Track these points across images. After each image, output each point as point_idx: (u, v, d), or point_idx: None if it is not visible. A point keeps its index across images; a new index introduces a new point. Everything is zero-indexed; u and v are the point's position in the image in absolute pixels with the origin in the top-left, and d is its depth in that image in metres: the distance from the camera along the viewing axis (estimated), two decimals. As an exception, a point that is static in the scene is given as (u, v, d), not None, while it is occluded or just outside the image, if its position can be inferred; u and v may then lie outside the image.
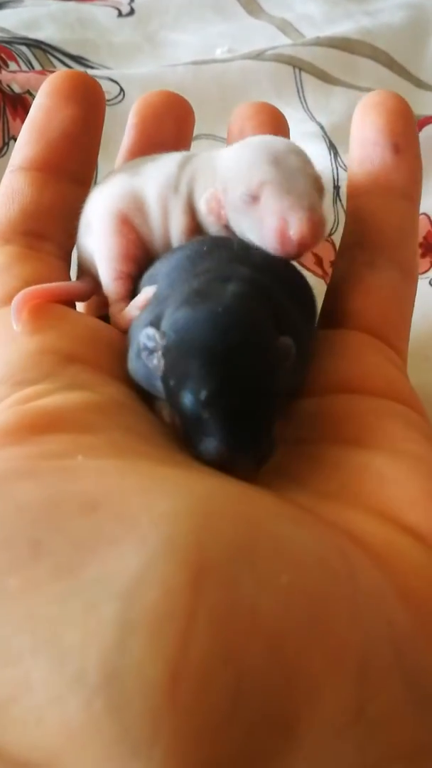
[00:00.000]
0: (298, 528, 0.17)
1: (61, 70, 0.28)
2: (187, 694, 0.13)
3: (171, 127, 0.29)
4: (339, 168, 0.43)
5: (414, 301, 0.26)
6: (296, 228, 0.22)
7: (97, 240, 0.26)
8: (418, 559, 0.18)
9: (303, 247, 0.23)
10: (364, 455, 0.21)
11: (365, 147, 0.27)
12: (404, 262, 0.26)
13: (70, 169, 0.27)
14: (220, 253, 0.23)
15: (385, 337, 0.25)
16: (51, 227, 0.26)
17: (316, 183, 0.24)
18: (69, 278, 0.27)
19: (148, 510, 0.16)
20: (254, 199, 0.23)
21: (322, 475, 0.20)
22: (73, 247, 0.28)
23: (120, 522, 0.15)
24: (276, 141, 0.25)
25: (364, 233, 0.26)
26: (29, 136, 0.27)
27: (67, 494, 0.16)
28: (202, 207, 0.24)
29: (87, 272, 0.27)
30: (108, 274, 0.25)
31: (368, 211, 0.26)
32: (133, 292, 0.25)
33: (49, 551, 0.15)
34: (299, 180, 0.23)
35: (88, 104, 0.28)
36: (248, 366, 0.19)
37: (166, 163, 0.26)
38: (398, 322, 0.26)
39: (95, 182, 0.40)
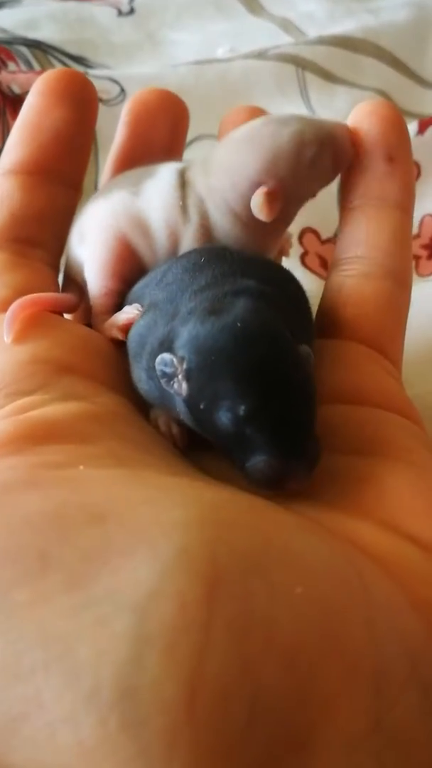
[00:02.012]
0: (308, 538, 0.17)
1: (53, 69, 0.28)
2: (204, 710, 0.13)
3: (164, 126, 0.29)
4: (343, 168, 0.43)
5: (408, 309, 0.26)
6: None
7: (91, 254, 0.26)
8: (425, 568, 0.18)
9: None
10: (363, 465, 0.21)
11: (359, 157, 0.27)
12: (398, 272, 0.26)
13: (62, 172, 0.27)
14: (218, 266, 0.23)
15: (380, 347, 0.25)
16: (41, 233, 0.26)
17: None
18: (58, 285, 0.26)
19: (157, 520, 0.15)
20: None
21: (322, 485, 0.20)
22: (62, 252, 0.27)
23: (129, 533, 0.15)
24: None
25: (359, 244, 0.26)
26: (20, 138, 0.27)
27: (74, 505, 0.16)
28: (257, 210, 0.24)
29: (74, 280, 0.27)
30: (97, 288, 0.25)
31: (362, 221, 0.26)
32: (119, 306, 0.25)
33: (58, 564, 0.15)
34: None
35: (81, 104, 0.27)
36: (284, 375, 0.19)
37: (165, 183, 0.25)
38: (393, 331, 0.26)
39: (96, 185, 0.40)
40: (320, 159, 0.24)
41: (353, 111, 0.27)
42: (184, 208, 0.25)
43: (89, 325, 0.25)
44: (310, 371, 0.20)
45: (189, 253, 0.24)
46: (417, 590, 0.17)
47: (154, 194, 0.25)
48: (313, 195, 0.26)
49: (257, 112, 0.30)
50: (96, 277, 0.25)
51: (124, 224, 0.25)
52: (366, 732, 0.14)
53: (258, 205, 0.24)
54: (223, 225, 0.25)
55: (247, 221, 0.24)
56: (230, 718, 0.13)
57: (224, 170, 0.25)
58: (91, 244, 0.26)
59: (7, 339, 0.22)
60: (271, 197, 0.24)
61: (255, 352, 0.19)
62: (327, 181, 0.26)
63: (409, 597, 0.17)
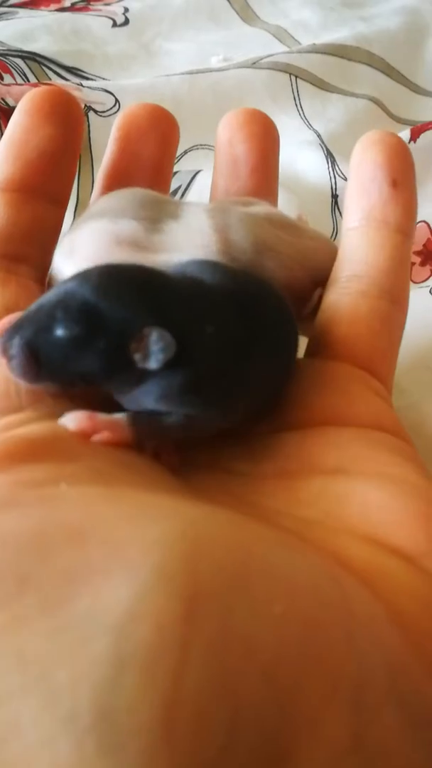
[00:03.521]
0: (289, 553, 0.17)
1: (39, 88, 0.28)
2: (182, 732, 0.13)
3: (155, 142, 0.29)
4: (337, 176, 0.43)
5: (403, 329, 0.27)
6: None
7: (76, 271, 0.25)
8: (408, 580, 0.18)
9: None
10: (347, 483, 0.21)
11: (363, 181, 0.27)
12: (395, 293, 0.26)
13: (48, 190, 0.27)
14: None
15: (371, 367, 0.25)
16: (28, 249, 0.26)
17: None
18: None
19: (136, 538, 0.15)
20: None
21: (306, 504, 0.20)
22: (49, 267, 0.27)
23: (108, 551, 0.15)
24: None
25: (357, 263, 0.26)
26: (6, 155, 0.27)
27: (53, 524, 0.16)
28: (313, 303, 0.27)
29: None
30: None
31: (363, 242, 0.27)
32: None
33: (36, 585, 0.14)
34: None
35: (67, 123, 0.27)
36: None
37: (194, 221, 0.25)
38: (385, 351, 0.26)
39: (85, 198, 0.40)
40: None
41: (360, 140, 0.28)
42: (224, 250, 0.24)
43: None
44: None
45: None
46: (398, 602, 0.17)
47: (186, 242, 0.25)
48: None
49: (258, 115, 0.30)
50: None
51: (132, 260, 0.24)
52: (347, 749, 0.14)
53: (313, 303, 0.27)
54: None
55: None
56: (208, 738, 0.13)
57: (297, 257, 0.26)
58: (80, 264, 0.24)
59: None
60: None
61: None
62: None
63: (389, 610, 0.17)
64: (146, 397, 0.20)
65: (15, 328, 0.20)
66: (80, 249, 0.25)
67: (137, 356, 0.20)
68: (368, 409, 0.24)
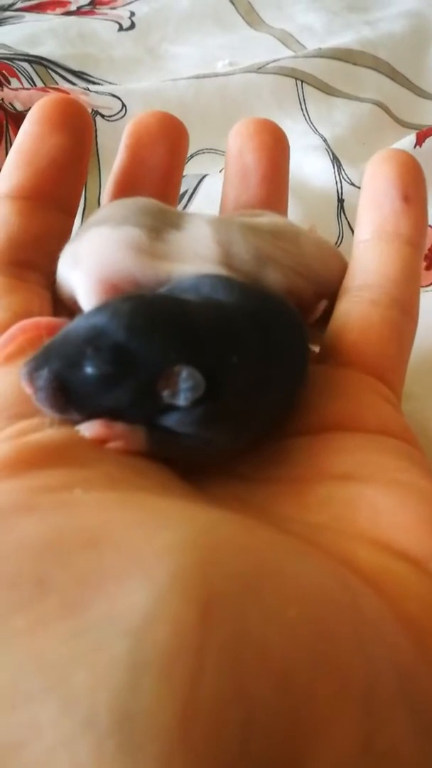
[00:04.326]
0: (300, 558, 0.17)
1: (49, 95, 0.28)
2: (199, 734, 0.13)
3: (164, 149, 0.29)
4: (343, 181, 0.43)
5: (413, 340, 0.27)
6: None
7: (86, 285, 0.25)
8: (416, 584, 0.18)
9: None
10: (356, 488, 0.21)
11: (376, 196, 0.28)
12: (406, 303, 0.27)
13: (58, 198, 0.27)
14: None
15: (381, 374, 0.25)
16: (38, 257, 0.26)
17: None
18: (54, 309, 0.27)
19: (151, 544, 0.16)
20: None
21: (315, 509, 0.21)
22: None
23: (124, 557, 0.15)
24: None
25: (369, 273, 0.27)
26: (16, 164, 0.27)
27: (69, 529, 0.16)
28: (318, 313, 0.27)
29: (61, 300, 0.26)
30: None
31: (374, 254, 0.27)
32: None
33: (54, 589, 0.15)
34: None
35: (77, 131, 0.28)
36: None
37: (197, 232, 0.25)
38: (396, 359, 0.26)
39: (99, 202, 0.40)
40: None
41: (372, 157, 0.28)
42: (227, 261, 0.25)
43: None
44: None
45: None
46: (406, 606, 0.17)
47: (184, 242, 0.25)
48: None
49: (268, 125, 0.30)
50: (88, 307, 0.25)
51: (134, 265, 0.24)
52: (358, 750, 0.14)
53: (317, 314, 0.27)
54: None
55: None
56: (224, 741, 0.13)
57: (298, 268, 0.26)
58: (87, 275, 0.25)
59: None
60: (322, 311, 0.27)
61: None
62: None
63: (398, 614, 0.17)
64: (168, 421, 0.21)
65: (42, 359, 0.20)
66: (84, 257, 0.25)
67: (165, 393, 0.20)
68: (377, 416, 0.24)
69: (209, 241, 0.25)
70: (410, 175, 0.28)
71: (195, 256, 0.25)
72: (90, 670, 0.13)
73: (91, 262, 0.25)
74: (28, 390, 0.20)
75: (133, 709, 0.13)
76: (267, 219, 0.27)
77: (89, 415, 0.20)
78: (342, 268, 0.28)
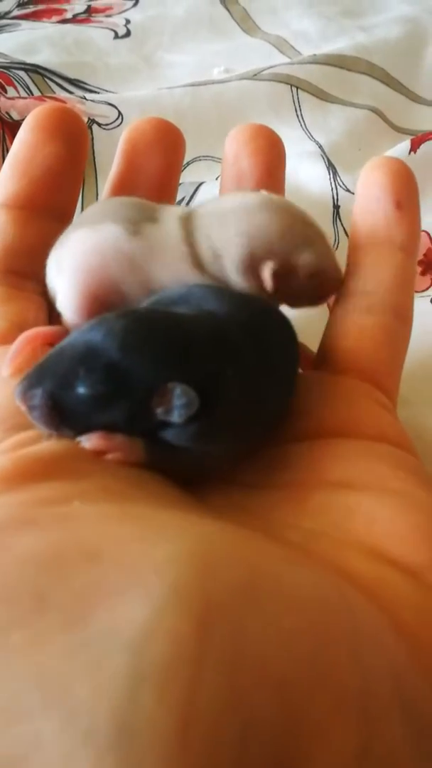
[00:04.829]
0: (297, 569, 0.18)
1: (44, 105, 0.29)
2: (198, 746, 0.13)
3: (161, 156, 0.29)
4: (339, 188, 0.43)
5: (407, 345, 0.27)
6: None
7: (67, 289, 0.25)
8: (410, 593, 0.19)
9: None
10: (352, 496, 0.21)
11: (369, 202, 0.28)
12: (400, 309, 0.27)
13: (53, 207, 0.28)
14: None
15: (377, 380, 0.25)
16: (33, 265, 0.27)
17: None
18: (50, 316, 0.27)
19: (148, 557, 0.16)
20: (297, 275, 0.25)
21: (312, 515, 0.21)
22: None
23: (122, 571, 0.15)
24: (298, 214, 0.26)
25: (363, 280, 0.27)
26: (12, 173, 0.27)
27: (69, 544, 0.16)
28: (268, 281, 0.24)
29: (54, 308, 0.27)
30: (70, 322, 0.25)
31: (368, 260, 0.27)
32: None
33: (54, 604, 0.15)
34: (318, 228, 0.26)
35: (72, 140, 0.28)
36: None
37: (172, 235, 0.25)
38: (391, 365, 0.26)
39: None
40: (314, 282, 0.26)
41: (365, 164, 0.29)
42: (197, 263, 0.25)
43: None
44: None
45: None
46: (401, 614, 0.18)
47: (159, 242, 0.25)
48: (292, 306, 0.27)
49: (263, 131, 0.30)
50: (70, 314, 0.25)
51: (114, 265, 0.25)
52: (355, 758, 0.15)
53: (268, 281, 0.25)
54: (238, 282, 0.25)
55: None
56: (222, 751, 0.13)
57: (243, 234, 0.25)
58: (68, 279, 0.25)
59: (6, 372, 0.22)
60: (274, 276, 0.25)
61: None
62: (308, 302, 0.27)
63: (393, 622, 0.17)
64: (165, 435, 0.21)
65: (36, 377, 0.20)
66: (66, 264, 0.25)
67: (159, 410, 0.20)
68: (373, 422, 0.24)
69: (179, 240, 0.25)
70: (402, 182, 0.28)
71: (167, 251, 0.25)
72: (90, 684, 0.14)
73: (72, 271, 0.25)
74: (23, 408, 0.20)
75: (133, 722, 0.13)
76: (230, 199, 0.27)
77: (83, 432, 0.21)
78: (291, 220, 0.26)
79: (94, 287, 0.25)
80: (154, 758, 0.13)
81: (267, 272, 0.24)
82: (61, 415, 0.20)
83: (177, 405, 0.20)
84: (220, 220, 0.25)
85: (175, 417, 0.20)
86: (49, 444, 0.20)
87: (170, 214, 0.26)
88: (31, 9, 0.60)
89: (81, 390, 0.20)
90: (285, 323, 0.24)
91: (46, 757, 0.13)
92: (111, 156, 0.30)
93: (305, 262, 0.25)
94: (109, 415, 0.20)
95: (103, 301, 0.24)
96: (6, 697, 0.14)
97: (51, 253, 0.26)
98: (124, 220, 0.25)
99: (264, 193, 0.26)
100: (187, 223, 0.25)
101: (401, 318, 0.27)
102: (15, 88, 0.48)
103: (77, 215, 0.29)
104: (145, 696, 0.13)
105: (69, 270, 0.25)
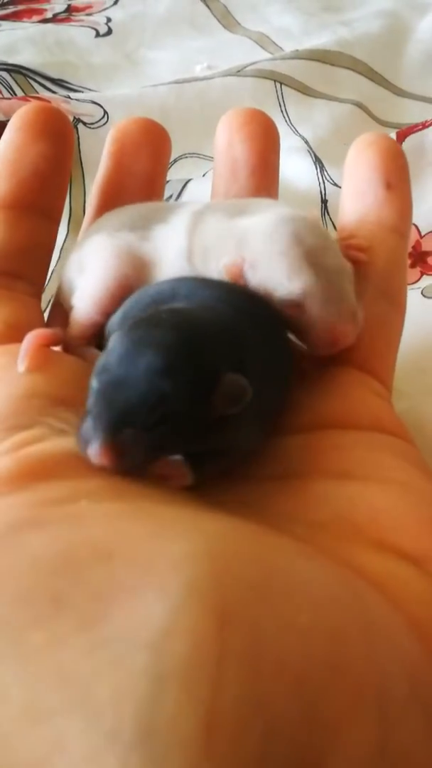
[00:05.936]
0: (310, 565, 0.17)
1: (29, 104, 0.28)
2: (222, 744, 0.13)
3: (147, 155, 0.29)
4: (326, 182, 0.43)
5: (401, 330, 0.27)
6: (344, 338, 0.24)
7: (87, 286, 0.26)
8: (420, 586, 0.19)
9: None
10: (353, 487, 0.21)
11: (358, 183, 0.27)
12: (393, 294, 0.27)
13: (42, 206, 0.27)
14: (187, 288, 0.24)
15: (371, 369, 0.25)
16: (24, 265, 0.27)
17: (348, 276, 0.24)
18: (43, 316, 0.27)
19: (164, 555, 0.16)
20: (297, 305, 0.23)
21: (313, 508, 0.21)
22: (44, 282, 0.28)
23: (137, 569, 0.15)
24: (306, 231, 0.24)
25: (354, 265, 0.26)
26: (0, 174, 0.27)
27: (80, 543, 0.16)
28: (223, 273, 0.24)
29: (61, 304, 0.27)
30: (84, 316, 0.26)
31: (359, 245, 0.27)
32: (96, 336, 0.26)
33: (70, 605, 0.15)
34: (339, 283, 0.24)
35: (58, 139, 0.28)
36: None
37: (177, 230, 0.25)
38: (385, 352, 0.26)
39: (84, 210, 0.40)
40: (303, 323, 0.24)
41: (354, 143, 0.28)
42: (189, 258, 0.25)
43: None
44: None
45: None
46: (412, 610, 0.18)
47: (164, 241, 0.26)
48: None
49: (257, 115, 0.30)
50: (86, 307, 0.26)
51: (128, 268, 0.26)
52: (373, 754, 0.15)
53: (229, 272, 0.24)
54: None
55: None
56: (247, 749, 0.13)
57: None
58: (89, 278, 0.26)
59: (21, 368, 0.22)
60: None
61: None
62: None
63: (405, 617, 0.17)
64: (206, 443, 0.21)
65: (115, 418, 0.19)
66: (87, 264, 0.26)
67: (221, 402, 0.20)
68: (370, 412, 0.24)
69: (181, 235, 0.25)
70: (392, 160, 0.27)
71: (171, 250, 0.25)
72: (112, 684, 0.13)
73: (93, 270, 0.26)
74: (108, 455, 0.19)
75: (157, 721, 0.13)
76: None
77: (142, 466, 0.20)
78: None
79: (112, 286, 0.26)
80: (179, 758, 0.13)
81: (222, 267, 0.24)
82: (121, 455, 0.19)
83: (233, 394, 0.20)
84: (227, 228, 0.25)
85: (235, 405, 0.20)
86: (50, 443, 0.20)
87: (184, 210, 0.26)
88: (10, 9, 0.60)
89: (142, 428, 0.19)
90: (274, 309, 0.24)
91: (69, 758, 0.13)
92: (97, 154, 0.30)
93: (285, 291, 0.23)
94: (171, 448, 0.20)
95: (117, 297, 0.26)
96: (27, 698, 0.14)
97: (71, 254, 0.27)
98: (136, 226, 0.26)
99: (284, 213, 0.25)
100: (197, 217, 0.26)
101: (394, 304, 0.27)
102: (-2, 89, 0.48)
103: (73, 216, 0.29)
104: (168, 695, 0.13)
105: (91, 270, 0.26)
